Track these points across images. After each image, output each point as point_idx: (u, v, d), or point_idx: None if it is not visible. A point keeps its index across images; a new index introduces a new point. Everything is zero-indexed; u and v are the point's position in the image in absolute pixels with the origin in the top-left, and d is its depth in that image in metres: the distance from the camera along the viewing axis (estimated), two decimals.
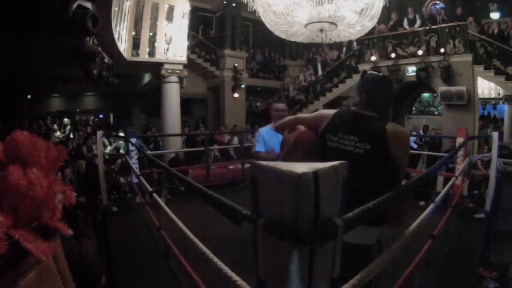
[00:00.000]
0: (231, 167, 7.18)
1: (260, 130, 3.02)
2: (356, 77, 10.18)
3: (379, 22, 8.13)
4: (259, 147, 2.89)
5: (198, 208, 3.98)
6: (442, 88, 8.23)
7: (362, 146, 1.44)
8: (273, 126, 2.65)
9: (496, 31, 8.26)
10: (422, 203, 5.07)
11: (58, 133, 9.58)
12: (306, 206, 0.70)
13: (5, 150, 0.80)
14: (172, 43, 8.11)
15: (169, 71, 8.13)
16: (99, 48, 5.04)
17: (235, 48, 11.66)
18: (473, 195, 5.12)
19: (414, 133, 8.47)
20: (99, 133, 5.00)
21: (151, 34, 7.75)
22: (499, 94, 10.51)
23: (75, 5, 3.26)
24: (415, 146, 7.96)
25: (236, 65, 11.37)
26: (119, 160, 6.05)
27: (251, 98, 13.24)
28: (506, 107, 10.55)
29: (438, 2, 9.84)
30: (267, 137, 2.90)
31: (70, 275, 0.89)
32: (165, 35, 7.99)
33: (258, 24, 8.99)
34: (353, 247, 1.33)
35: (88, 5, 3.44)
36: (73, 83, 10.05)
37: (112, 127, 12.02)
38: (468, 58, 8.03)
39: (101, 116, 15.69)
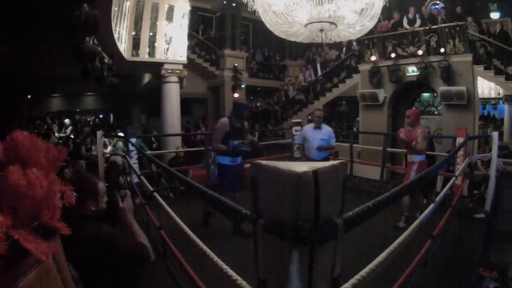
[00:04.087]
0: None
1: (304, 128, 4.86)
2: (356, 77, 10.19)
3: (380, 22, 8.13)
4: (298, 140, 4.99)
5: (198, 208, 3.98)
6: (442, 88, 8.22)
7: None
8: (313, 126, 4.58)
9: (498, 31, 8.26)
10: (424, 200, 5.08)
11: (58, 134, 9.55)
12: (306, 206, 0.70)
13: (5, 150, 0.80)
14: (172, 43, 8.10)
15: (169, 71, 8.12)
16: (99, 48, 5.04)
17: (235, 48, 11.65)
18: (473, 195, 5.12)
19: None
20: (99, 133, 5.01)
21: (151, 34, 7.75)
22: (499, 94, 10.51)
23: (85, 8, 3.28)
24: None
25: (236, 65, 11.36)
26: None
27: (251, 98, 13.24)
28: (506, 107, 10.55)
29: (438, 2, 9.84)
30: (309, 133, 4.55)
31: (70, 275, 0.90)
32: (165, 35, 7.98)
33: (258, 24, 8.99)
34: None
35: (86, 6, 3.45)
36: (73, 83, 10.04)
37: (112, 127, 12.01)
38: (468, 58, 8.02)
39: (101, 116, 15.68)
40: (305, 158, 4.80)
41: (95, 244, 1.38)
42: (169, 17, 7.97)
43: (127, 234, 1.58)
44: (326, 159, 4.67)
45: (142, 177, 3.30)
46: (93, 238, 1.39)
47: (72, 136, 9.11)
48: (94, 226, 1.43)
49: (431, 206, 2.18)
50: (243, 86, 11.66)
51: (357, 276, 0.92)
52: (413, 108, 7.89)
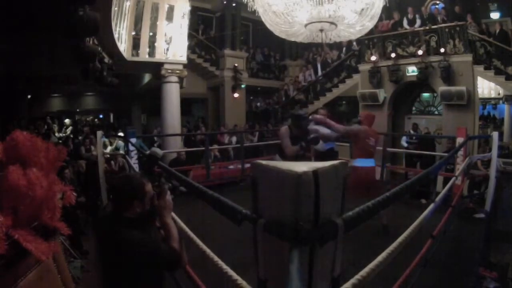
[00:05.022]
0: (231, 167, 7.18)
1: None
2: (356, 77, 10.18)
3: (382, 20, 8.11)
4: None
5: (198, 208, 3.98)
6: (442, 88, 8.22)
7: None
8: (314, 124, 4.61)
9: (497, 31, 8.26)
10: (423, 201, 5.08)
11: (58, 134, 9.55)
12: (306, 206, 0.70)
13: (5, 150, 0.80)
14: (172, 43, 8.10)
15: (169, 71, 8.12)
16: (99, 48, 5.04)
17: (235, 48, 11.64)
18: (473, 195, 5.12)
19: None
20: (99, 133, 5.01)
21: (151, 34, 7.74)
22: (499, 94, 10.50)
23: (87, 9, 3.28)
24: (405, 144, 8.00)
25: (236, 65, 11.36)
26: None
27: (251, 98, 13.23)
28: (506, 107, 10.55)
29: (438, 2, 9.83)
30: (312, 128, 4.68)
31: (70, 275, 0.90)
32: (165, 35, 7.98)
33: (258, 24, 8.98)
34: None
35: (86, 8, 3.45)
36: (73, 83, 10.03)
37: (113, 127, 12.01)
38: (468, 58, 8.01)
39: (101, 116, 15.68)
40: (313, 151, 5.00)
41: (126, 250, 1.36)
42: (169, 17, 7.96)
43: (165, 233, 1.53)
44: (331, 150, 4.98)
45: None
46: (125, 244, 1.37)
47: (72, 136, 9.10)
48: (128, 233, 1.39)
49: (431, 206, 2.18)
50: (243, 86, 11.65)
51: (357, 276, 0.92)
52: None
